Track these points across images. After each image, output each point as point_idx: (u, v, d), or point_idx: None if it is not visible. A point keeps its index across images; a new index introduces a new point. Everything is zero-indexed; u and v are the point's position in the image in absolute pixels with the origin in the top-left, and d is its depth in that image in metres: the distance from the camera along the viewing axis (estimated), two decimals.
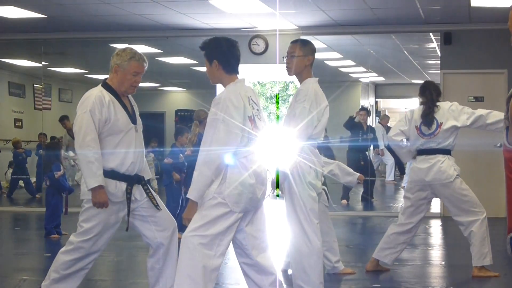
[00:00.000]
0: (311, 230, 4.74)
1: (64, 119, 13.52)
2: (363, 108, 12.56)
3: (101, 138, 4.32)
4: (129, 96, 4.58)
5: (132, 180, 4.42)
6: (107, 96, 4.36)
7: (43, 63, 13.21)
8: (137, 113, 4.56)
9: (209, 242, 3.97)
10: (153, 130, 14.61)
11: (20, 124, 15.79)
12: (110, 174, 4.34)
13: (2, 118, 15.47)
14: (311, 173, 4.74)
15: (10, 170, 14.63)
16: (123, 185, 4.39)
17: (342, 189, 11.76)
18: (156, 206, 4.48)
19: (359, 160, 11.76)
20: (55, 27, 11.23)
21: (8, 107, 15.70)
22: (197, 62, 14.44)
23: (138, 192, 4.47)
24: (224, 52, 4.13)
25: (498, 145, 10.53)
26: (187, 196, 4.05)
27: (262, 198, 4.18)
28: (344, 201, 11.93)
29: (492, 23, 10.48)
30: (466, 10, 9.77)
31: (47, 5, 9.47)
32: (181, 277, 3.97)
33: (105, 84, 4.44)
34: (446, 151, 6.11)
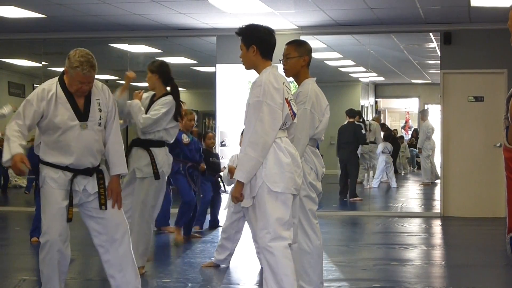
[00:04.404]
0: (311, 229, 4.75)
1: None
2: None
3: (41, 131, 4.35)
4: (102, 89, 4.45)
5: (78, 172, 4.34)
6: (54, 89, 4.33)
7: (43, 63, 13.19)
8: (97, 108, 4.35)
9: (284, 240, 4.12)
10: None
11: None
12: (51, 165, 4.33)
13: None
14: (312, 174, 4.74)
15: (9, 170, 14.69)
16: (68, 174, 4.32)
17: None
18: (101, 205, 4.35)
19: None
20: (55, 27, 11.22)
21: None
22: (197, 62, 14.38)
23: (90, 185, 4.37)
24: (262, 37, 4.23)
25: (498, 145, 10.53)
26: (234, 177, 4.11)
27: (300, 183, 4.24)
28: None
29: (492, 23, 10.47)
30: (466, 10, 9.77)
31: (47, 5, 9.46)
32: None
33: (61, 77, 4.40)
34: None
